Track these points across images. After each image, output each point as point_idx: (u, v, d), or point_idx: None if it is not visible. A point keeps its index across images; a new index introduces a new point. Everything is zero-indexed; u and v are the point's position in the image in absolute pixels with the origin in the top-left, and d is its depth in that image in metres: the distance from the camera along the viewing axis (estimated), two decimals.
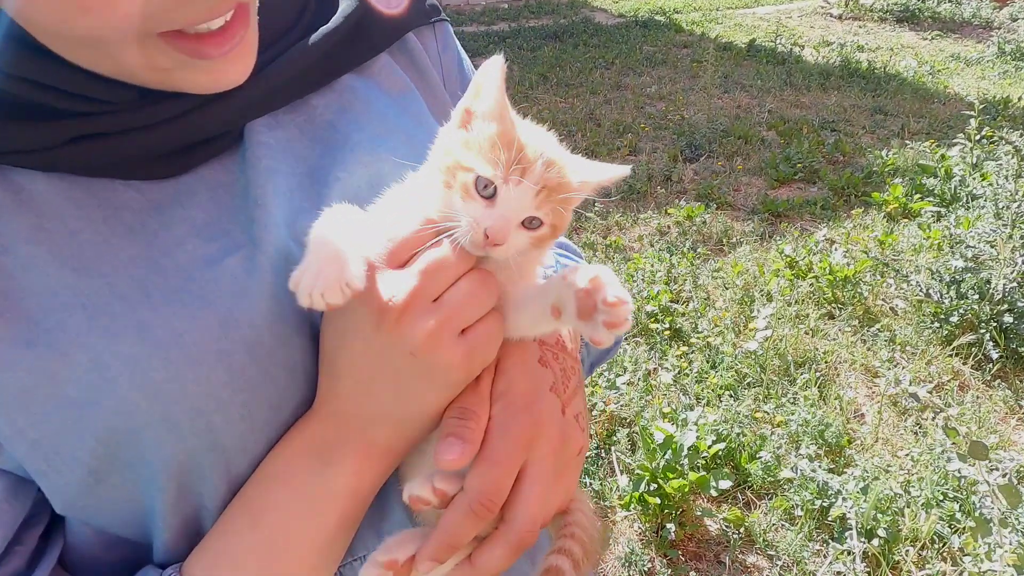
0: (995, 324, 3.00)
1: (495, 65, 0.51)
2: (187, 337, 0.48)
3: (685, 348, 3.14)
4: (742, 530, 2.32)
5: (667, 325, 3.26)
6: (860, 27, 9.29)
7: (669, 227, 4.25)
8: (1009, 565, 1.52)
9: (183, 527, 0.53)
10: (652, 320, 3.28)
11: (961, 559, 2.09)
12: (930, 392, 1.48)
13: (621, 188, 4.64)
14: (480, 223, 0.50)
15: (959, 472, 1.65)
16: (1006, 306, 2.99)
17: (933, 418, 2.69)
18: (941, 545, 2.17)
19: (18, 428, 0.47)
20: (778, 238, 4.07)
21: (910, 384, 1.56)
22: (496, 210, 0.50)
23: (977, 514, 1.40)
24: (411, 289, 0.50)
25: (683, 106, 6.16)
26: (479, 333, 0.52)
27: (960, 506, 2.22)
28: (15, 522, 0.50)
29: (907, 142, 5.23)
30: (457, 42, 0.75)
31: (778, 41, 8.07)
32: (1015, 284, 3.01)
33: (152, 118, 0.50)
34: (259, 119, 0.56)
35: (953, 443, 1.89)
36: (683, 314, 3.36)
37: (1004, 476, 1.35)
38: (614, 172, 0.55)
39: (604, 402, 2.80)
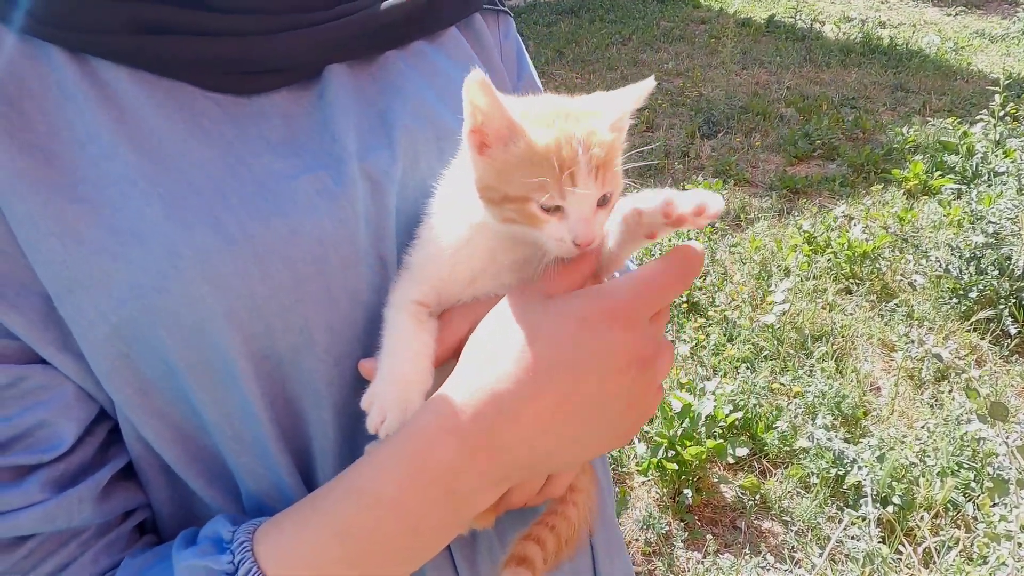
0: (1014, 300, 3.00)
1: (478, 81, 0.46)
2: (257, 239, 0.50)
3: (702, 321, 3.16)
4: (758, 497, 2.36)
5: (684, 298, 3.28)
6: (882, 3, 9.12)
7: None
8: (1021, 528, 1.55)
9: (236, 448, 0.54)
10: None
11: (975, 526, 2.13)
12: (951, 356, 1.50)
13: (638, 163, 4.62)
14: (565, 239, 0.48)
15: (978, 433, 1.67)
16: None
17: (950, 391, 2.71)
18: (955, 513, 2.20)
19: (102, 311, 0.49)
20: (796, 214, 4.07)
21: (933, 346, 1.57)
22: (571, 219, 0.48)
23: (995, 475, 1.42)
24: (651, 302, 0.49)
25: (701, 82, 6.12)
26: (658, 394, 0.52)
27: (975, 475, 2.25)
28: (88, 418, 0.53)
29: (928, 119, 5.17)
30: (519, 36, 0.79)
31: (798, 17, 7.95)
32: None
33: (227, 27, 0.53)
34: (339, 64, 0.59)
35: (973, 405, 1.91)
36: (700, 288, 3.38)
37: (1022, 437, 1.37)
38: (637, 92, 0.51)
39: None
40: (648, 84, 0.52)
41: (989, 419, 1.35)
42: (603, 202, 0.50)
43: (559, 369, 0.47)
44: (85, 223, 0.48)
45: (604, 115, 0.50)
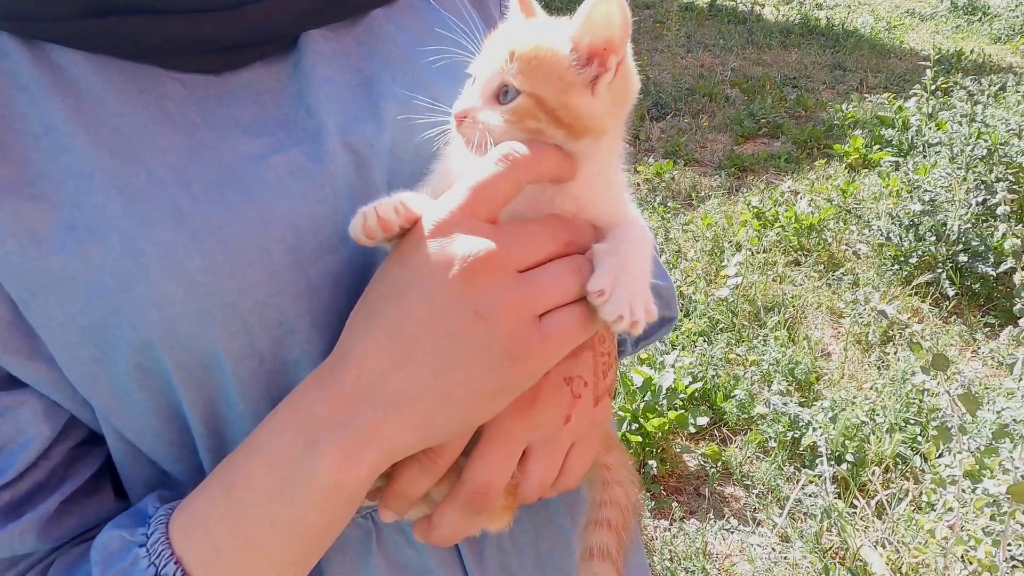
0: (951, 263, 3.14)
1: None
2: (225, 229, 0.47)
3: None
4: (719, 464, 2.43)
5: None
6: None
7: (639, 185, 4.32)
8: (964, 474, 1.64)
9: (215, 447, 0.51)
10: None
11: (923, 477, 2.24)
12: (895, 312, 1.57)
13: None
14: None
15: (922, 385, 1.76)
16: (961, 246, 3.14)
17: (895, 352, 2.83)
18: (904, 466, 2.31)
19: (69, 314, 0.46)
20: (745, 191, 4.18)
21: (877, 304, 1.65)
22: (466, 90, 0.48)
23: (939, 424, 1.51)
24: (497, 247, 0.44)
25: (648, 66, 6.20)
26: (560, 321, 0.45)
27: (921, 429, 2.37)
28: (46, 438, 0.50)
29: (866, 96, 5.36)
30: None
31: (739, 0, 8.13)
32: (969, 224, 3.15)
33: (190, 3, 0.50)
34: (317, 30, 0.54)
35: (918, 359, 2.02)
36: None
37: (962, 387, 1.45)
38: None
39: None
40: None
41: (931, 371, 1.42)
42: (505, 98, 0.47)
43: (382, 300, 0.45)
44: (43, 222, 0.45)
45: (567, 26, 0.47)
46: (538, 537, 0.60)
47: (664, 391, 2.50)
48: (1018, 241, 1.43)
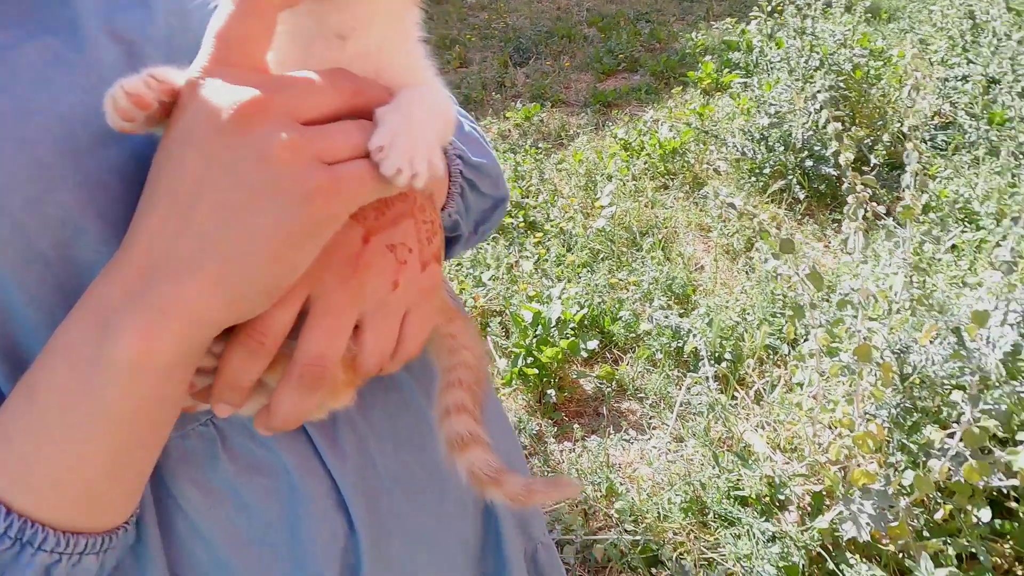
0: (799, 170, 3.40)
1: None
2: None
3: (541, 236, 3.29)
4: (614, 383, 2.55)
5: (521, 219, 3.38)
6: None
7: (510, 130, 4.34)
8: (821, 348, 1.82)
9: (13, 371, 0.45)
10: (507, 216, 3.39)
11: (790, 362, 2.45)
12: (743, 204, 1.69)
13: (458, 99, 4.64)
14: None
15: (776, 270, 1.92)
16: (806, 152, 3.39)
17: (759, 256, 3.05)
18: (775, 355, 2.52)
19: None
20: (611, 125, 4.30)
21: (727, 197, 1.76)
22: None
23: (791, 301, 1.65)
24: (269, 91, 0.42)
25: (505, 13, 6.18)
26: (351, 168, 0.42)
27: (785, 321, 2.58)
28: None
29: (712, 23, 5.62)
30: None
31: None
32: (811, 132, 3.41)
33: None
34: None
35: (769, 248, 2.19)
36: (535, 207, 3.50)
37: (808, 268, 1.60)
38: None
39: (473, 298, 2.90)
40: None
41: (781, 255, 1.54)
42: None
43: (160, 172, 0.43)
44: None
45: None
46: (394, 419, 0.60)
47: (554, 322, 2.57)
48: (839, 125, 1.57)
